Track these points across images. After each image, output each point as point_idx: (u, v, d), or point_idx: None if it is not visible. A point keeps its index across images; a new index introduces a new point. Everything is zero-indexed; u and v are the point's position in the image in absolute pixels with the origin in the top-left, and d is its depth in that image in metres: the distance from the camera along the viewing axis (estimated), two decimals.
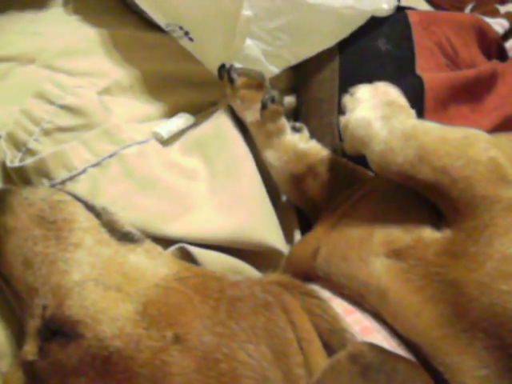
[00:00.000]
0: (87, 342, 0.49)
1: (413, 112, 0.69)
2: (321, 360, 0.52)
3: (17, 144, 0.71)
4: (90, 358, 0.48)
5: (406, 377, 0.46)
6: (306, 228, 0.83)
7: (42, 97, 0.74)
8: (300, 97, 1.01)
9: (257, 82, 0.84)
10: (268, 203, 0.78)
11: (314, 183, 0.82)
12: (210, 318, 0.52)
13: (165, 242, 0.68)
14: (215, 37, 0.84)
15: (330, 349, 0.54)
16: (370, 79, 0.76)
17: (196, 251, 0.68)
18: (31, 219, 0.58)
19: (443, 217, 0.57)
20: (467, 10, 1.46)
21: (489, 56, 1.11)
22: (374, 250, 0.59)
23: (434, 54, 0.99)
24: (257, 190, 0.78)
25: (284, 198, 0.91)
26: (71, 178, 0.70)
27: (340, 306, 0.58)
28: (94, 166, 0.72)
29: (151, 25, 0.93)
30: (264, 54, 0.89)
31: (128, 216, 0.65)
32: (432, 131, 0.61)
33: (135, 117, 0.84)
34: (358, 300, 0.59)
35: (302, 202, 0.85)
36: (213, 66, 0.87)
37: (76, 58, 0.88)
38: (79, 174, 0.70)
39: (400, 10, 1.04)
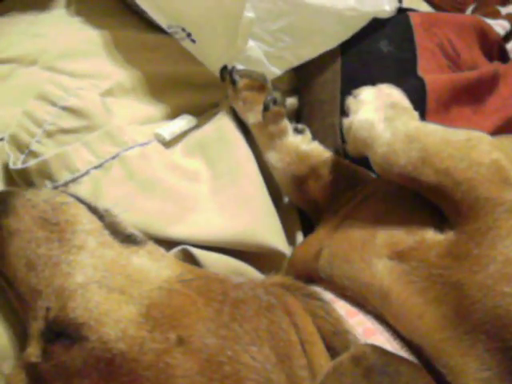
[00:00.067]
0: (91, 345, 0.49)
1: (416, 114, 0.69)
2: (324, 362, 0.52)
3: (19, 146, 0.71)
4: (94, 360, 0.48)
5: (409, 379, 0.46)
6: (308, 230, 0.83)
7: (45, 98, 0.74)
8: (302, 98, 1.01)
9: (259, 83, 0.84)
10: (270, 205, 0.78)
11: (316, 185, 0.82)
12: (213, 320, 0.52)
13: (167, 243, 0.68)
14: (217, 38, 0.84)
15: (333, 351, 0.54)
16: (371, 81, 0.76)
17: (199, 253, 0.68)
18: (34, 221, 0.58)
19: (446, 219, 0.57)
20: (468, 11, 1.47)
21: (490, 57, 1.11)
22: (376, 251, 0.59)
23: (435, 56, 0.99)
24: (259, 191, 0.78)
25: (286, 199, 0.91)
26: (74, 180, 0.70)
27: (343, 308, 0.58)
28: (96, 167, 0.72)
29: (152, 25, 0.93)
30: (266, 56, 0.89)
31: (130, 218, 0.65)
32: (435, 133, 0.61)
33: (137, 118, 0.84)
34: (360, 302, 0.59)
35: (304, 204, 0.86)
36: (215, 68, 0.87)
37: (78, 60, 0.88)
38: (82, 175, 0.70)
39: (401, 11, 1.04)
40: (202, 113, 0.90)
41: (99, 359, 0.48)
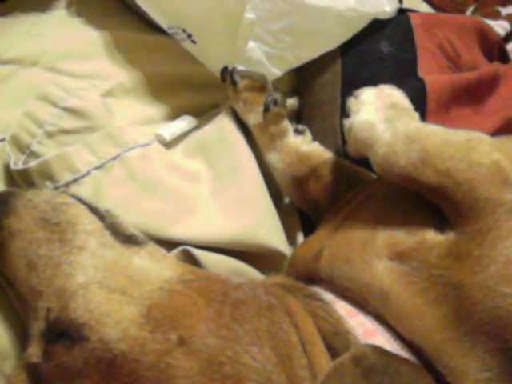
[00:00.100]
0: (92, 345, 0.49)
1: (416, 115, 0.69)
2: (324, 362, 0.52)
3: (20, 146, 0.71)
4: (95, 360, 0.48)
5: (409, 379, 0.46)
6: (308, 230, 0.83)
7: (46, 99, 0.74)
8: (302, 99, 1.01)
9: (259, 84, 0.84)
10: (271, 205, 0.78)
11: (317, 185, 0.82)
12: (214, 320, 0.52)
13: (168, 244, 0.68)
14: (218, 39, 0.84)
15: (333, 351, 0.54)
16: (372, 82, 0.76)
17: (199, 253, 0.68)
18: (35, 221, 0.58)
19: (446, 219, 0.58)
20: (468, 12, 1.47)
21: (490, 58, 1.11)
22: (376, 252, 0.59)
23: (435, 57, 0.99)
24: (260, 192, 0.78)
25: (287, 200, 0.91)
26: (75, 181, 0.70)
27: (343, 309, 0.58)
28: (97, 168, 0.72)
29: (152, 26, 0.93)
30: (267, 57, 0.89)
31: (131, 218, 0.65)
32: (435, 134, 0.61)
33: (138, 119, 0.84)
34: (361, 302, 0.59)
35: (304, 205, 0.86)
36: (215, 69, 0.87)
37: (79, 61, 0.88)
38: (83, 176, 0.70)
39: (402, 12, 1.04)
40: (203, 113, 0.90)
41: (100, 360, 0.49)
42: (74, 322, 0.50)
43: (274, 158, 0.83)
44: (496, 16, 1.32)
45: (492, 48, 1.13)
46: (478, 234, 0.53)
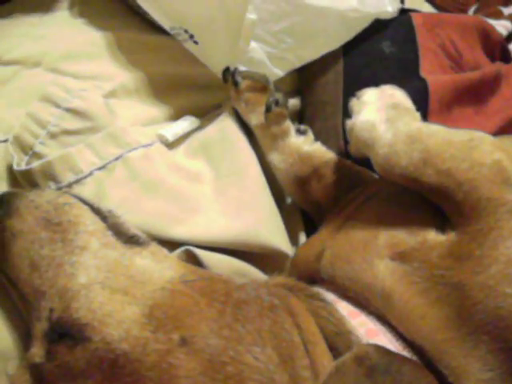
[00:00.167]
0: (94, 345, 0.49)
1: (418, 115, 0.69)
2: (327, 362, 0.52)
3: (23, 147, 0.72)
4: (97, 360, 0.49)
5: (412, 378, 0.46)
6: (310, 230, 0.83)
7: (48, 100, 0.74)
8: (304, 99, 1.01)
9: (261, 84, 0.85)
10: (273, 205, 0.78)
11: (319, 185, 0.82)
12: (216, 320, 0.52)
13: (170, 244, 0.68)
14: (220, 40, 0.84)
15: (335, 351, 0.54)
16: (374, 82, 0.76)
17: (202, 254, 0.68)
18: (37, 222, 0.58)
19: (448, 219, 0.57)
20: (470, 11, 1.47)
21: (492, 58, 1.11)
22: (378, 252, 0.59)
23: (437, 56, 0.99)
24: (262, 192, 0.78)
25: (289, 200, 0.91)
26: (78, 181, 0.70)
27: (345, 309, 0.59)
28: (99, 168, 0.72)
29: (154, 27, 0.93)
30: (268, 57, 0.89)
31: (133, 219, 0.65)
32: (437, 134, 0.61)
33: (140, 120, 0.84)
34: (362, 303, 0.59)
35: (306, 205, 0.86)
36: (217, 69, 0.87)
37: (81, 61, 0.88)
38: (85, 176, 0.71)
39: (404, 12, 1.04)
40: (205, 114, 0.90)
41: (102, 360, 0.49)
42: (76, 322, 0.51)
43: (276, 158, 0.83)
44: (498, 16, 1.32)
45: (494, 48, 1.13)
46: (479, 234, 0.53)
